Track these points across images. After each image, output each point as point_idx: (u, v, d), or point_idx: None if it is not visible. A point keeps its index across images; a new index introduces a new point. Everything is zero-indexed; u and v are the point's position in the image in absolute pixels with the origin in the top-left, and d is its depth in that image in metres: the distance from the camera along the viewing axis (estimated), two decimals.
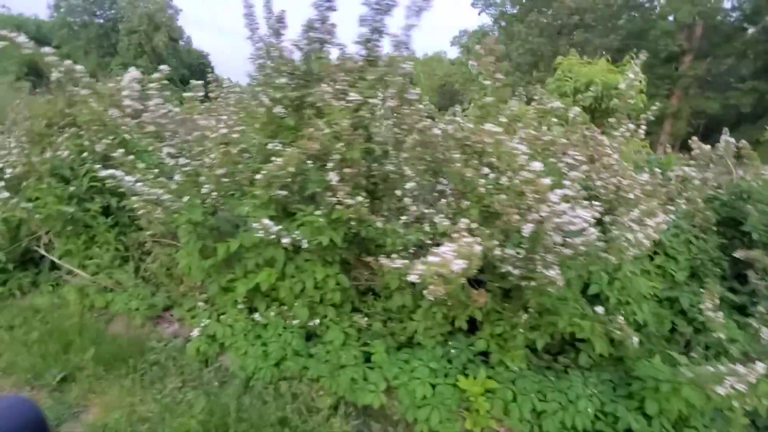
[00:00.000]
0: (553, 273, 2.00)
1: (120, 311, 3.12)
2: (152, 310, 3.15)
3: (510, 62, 28.09)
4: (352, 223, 2.55)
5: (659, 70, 24.70)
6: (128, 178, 2.52)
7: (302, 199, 2.62)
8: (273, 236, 2.21)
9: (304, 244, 2.29)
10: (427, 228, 2.55)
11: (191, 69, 45.69)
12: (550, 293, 2.17)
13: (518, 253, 2.03)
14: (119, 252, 3.50)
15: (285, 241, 2.22)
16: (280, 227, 2.25)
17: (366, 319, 2.88)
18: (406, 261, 1.97)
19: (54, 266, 3.68)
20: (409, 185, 2.52)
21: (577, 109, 3.10)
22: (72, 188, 3.50)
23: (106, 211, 3.59)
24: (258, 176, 2.30)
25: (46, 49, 2.58)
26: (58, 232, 3.38)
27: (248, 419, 2.24)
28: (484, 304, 2.22)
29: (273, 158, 2.29)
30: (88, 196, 3.60)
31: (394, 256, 2.23)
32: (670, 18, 26.23)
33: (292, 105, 2.52)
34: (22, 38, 2.47)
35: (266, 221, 2.20)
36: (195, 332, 2.86)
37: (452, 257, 1.74)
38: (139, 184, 2.49)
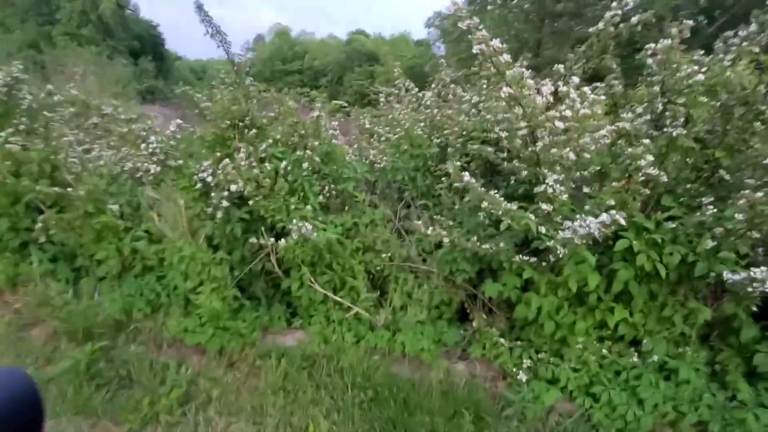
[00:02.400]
0: None
1: (410, 351, 2.68)
2: (438, 345, 2.75)
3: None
4: None
5: (629, 60, 26.00)
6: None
7: None
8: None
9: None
10: None
11: (141, 41, 41.59)
12: None
13: None
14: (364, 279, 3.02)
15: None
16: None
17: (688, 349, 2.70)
18: None
19: (269, 298, 3.12)
20: None
21: None
22: (308, 207, 2.94)
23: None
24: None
25: None
26: (308, 261, 2.83)
27: None
28: None
29: None
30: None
31: None
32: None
33: None
34: None
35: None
36: (522, 375, 2.53)
37: None
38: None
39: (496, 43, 1.91)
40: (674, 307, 2.47)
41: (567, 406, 2.48)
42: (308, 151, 3.12)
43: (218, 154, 3.15)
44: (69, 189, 2.92)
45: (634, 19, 2.40)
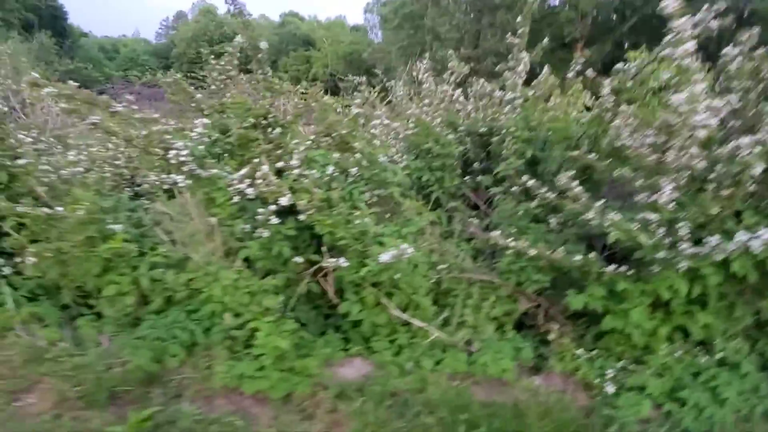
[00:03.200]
0: None
1: (494, 373, 2.49)
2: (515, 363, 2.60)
3: (433, 35, 28.62)
4: None
5: (560, 54, 27.82)
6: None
7: None
8: None
9: None
10: None
11: (38, 13, 35.87)
12: None
13: None
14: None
15: None
16: None
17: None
18: None
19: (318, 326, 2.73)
20: None
21: None
22: (366, 219, 2.58)
23: None
24: None
25: None
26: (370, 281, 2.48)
27: None
28: None
29: None
30: None
31: None
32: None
33: None
34: None
35: None
36: (609, 387, 2.46)
37: None
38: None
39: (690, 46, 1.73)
40: (743, 307, 2.56)
41: (653, 413, 2.47)
42: (358, 154, 2.75)
43: (244, 158, 2.67)
44: (58, 208, 2.26)
45: (714, 24, 2.35)
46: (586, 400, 2.54)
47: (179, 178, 2.28)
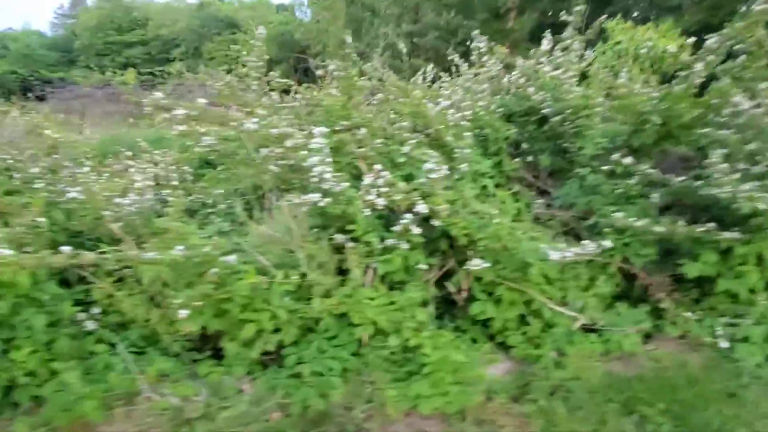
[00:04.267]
0: None
1: (627, 348, 2.59)
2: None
3: (371, 11, 27.99)
4: None
5: (494, 24, 28.52)
6: None
7: None
8: None
9: None
10: None
11: None
12: None
13: None
14: None
15: None
16: None
17: None
18: None
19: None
20: None
21: None
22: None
23: None
24: None
25: None
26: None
27: None
28: None
29: None
30: None
31: None
32: None
33: None
34: None
35: None
36: (723, 343, 2.67)
37: None
38: None
39: None
40: None
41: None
42: (466, 150, 2.64)
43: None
44: (178, 248, 1.93)
45: None
46: (702, 359, 2.74)
47: (316, 196, 2.03)
